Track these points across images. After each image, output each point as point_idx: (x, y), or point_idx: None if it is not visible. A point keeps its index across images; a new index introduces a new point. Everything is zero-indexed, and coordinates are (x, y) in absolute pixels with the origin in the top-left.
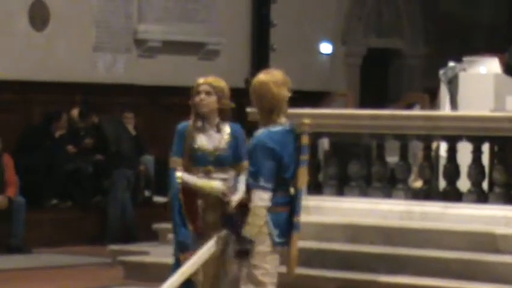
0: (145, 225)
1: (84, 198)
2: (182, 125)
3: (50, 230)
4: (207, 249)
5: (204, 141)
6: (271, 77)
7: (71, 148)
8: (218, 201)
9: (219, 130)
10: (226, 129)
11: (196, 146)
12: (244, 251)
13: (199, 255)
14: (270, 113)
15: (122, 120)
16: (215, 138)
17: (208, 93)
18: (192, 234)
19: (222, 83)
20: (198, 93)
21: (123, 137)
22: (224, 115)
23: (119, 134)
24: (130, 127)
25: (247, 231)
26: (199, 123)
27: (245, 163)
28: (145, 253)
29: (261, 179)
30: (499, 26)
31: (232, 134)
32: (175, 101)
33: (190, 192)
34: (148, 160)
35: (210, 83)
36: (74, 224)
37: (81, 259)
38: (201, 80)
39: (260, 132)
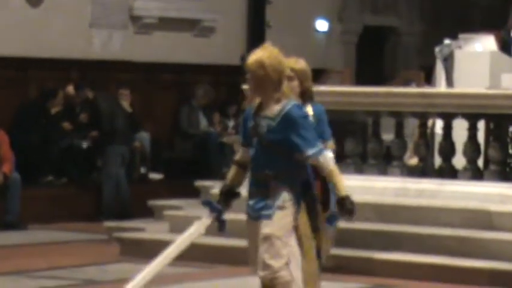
0: (140, 201)
1: (80, 174)
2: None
3: (45, 207)
4: (187, 236)
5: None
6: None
7: (66, 125)
8: None
9: None
10: (309, 111)
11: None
12: (350, 211)
13: (179, 242)
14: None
15: (117, 96)
16: None
17: (290, 78)
18: None
19: (302, 65)
20: None
21: (118, 114)
22: (306, 96)
23: (114, 111)
24: (126, 104)
25: (344, 189)
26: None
27: (330, 142)
28: (141, 229)
29: (317, 143)
30: (495, 3)
31: (316, 116)
32: (171, 78)
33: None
34: (143, 137)
35: (292, 67)
36: (70, 200)
37: (76, 236)
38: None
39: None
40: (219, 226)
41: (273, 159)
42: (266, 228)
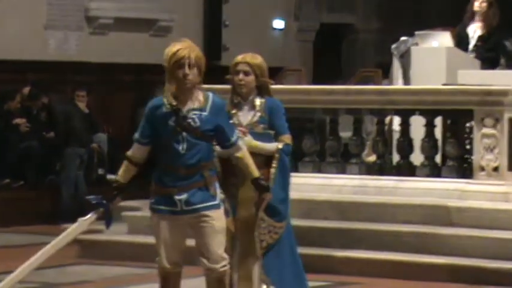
0: None
1: (37, 177)
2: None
3: (2, 210)
4: (67, 234)
5: (239, 118)
6: None
7: (23, 124)
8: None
9: (254, 106)
10: (263, 104)
11: (231, 122)
12: (267, 188)
13: (60, 238)
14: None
15: (73, 98)
16: (249, 115)
17: (246, 72)
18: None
19: (259, 60)
20: (237, 72)
21: (75, 116)
22: (263, 91)
23: (70, 113)
24: (83, 105)
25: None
26: (236, 100)
27: (284, 136)
28: (99, 231)
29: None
30: (451, 0)
31: (267, 109)
32: (128, 78)
33: (226, 166)
34: (101, 138)
35: (247, 61)
36: (27, 203)
37: (34, 238)
38: (238, 58)
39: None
40: (106, 223)
41: (203, 149)
42: (218, 220)
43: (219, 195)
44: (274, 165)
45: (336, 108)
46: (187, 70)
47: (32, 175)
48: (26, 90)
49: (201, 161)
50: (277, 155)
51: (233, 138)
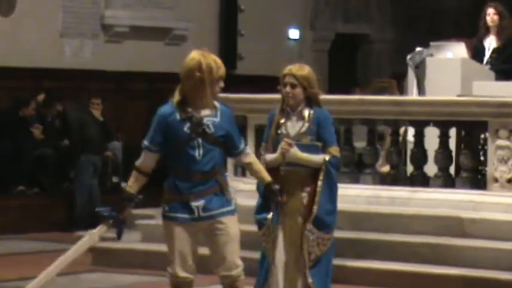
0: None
1: (52, 184)
2: (272, 111)
3: (16, 217)
4: (78, 247)
5: (288, 128)
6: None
7: (37, 132)
8: (297, 189)
9: (302, 117)
10: (311, 115)
11: (278, 132)
12: (279, 191)
13: (72, 251)
14: None
15: (88, 106)
16: (297, 125)
17: (293, 85)
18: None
19: (306, 71)
20: (284, 85)
21: (89, 124)
22: (312, 102)
23: (84, 121)
24: (97, 113)
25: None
26: (285, 111)
27: (332, 148)
28: (113, 239)
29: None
30: (466, 11)
31: (314, 121)
32: (143, 87)
33: (273, 176)
34: (116, 146)
35: (294, 73)
36: (41, 210)
37: (48, 246)
38: (286, 71)
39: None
40: (117, 233)
41: (217, 155)
42: (233, 226)
43: (234, 199)
44: (320, 177)
45: (350, 118)
46: (222, 84)
47: (46, 182)
48: (41, 97)
49: (215, 167)
50: (323, 168)
51: (241, 146)
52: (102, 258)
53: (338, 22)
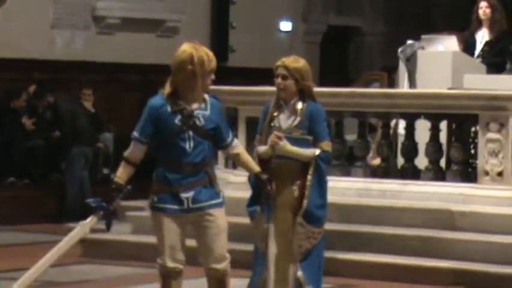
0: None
1: (42, 176)
2: (267, 103)
3: (7, 208)
4: (69, 238)
5: (280, 121)
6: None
7: (28, 123)
8: (288, 182)
9: (295, 110)
10: (304, 109)
11: (271, 125)
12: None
13: (63, 243)
14: None
15: (79, 97)
16: (290, 119)
17: (284, 76)
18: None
19: (300, 64)
20: (277, 76)
21: (80, 115)
22: (306, 95)
23: (76, 112)
24: (89, 104)
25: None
26: (278, 104)
27: (323, 143)
28: (103, 230)
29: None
30: (458, 4)
31: (307, 114)
32: (134, 78)
33: (265, 169)
34: (107, 137)
35: (286, 65)
36: (32, 202)
37: (38, 237)
38: (279, 62)
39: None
40: (106, 225)
41: (206, 148)
42: (222, 219)
43: (222, 192)
44: (310, 172)
45: (341, 110)
46: (213, 77)
47: (37, 174)
48: (32, 88)
49: (205, 159)
50: (313, 162)
51: (228, 139)
52: (92, 250)
53: (330, 14)
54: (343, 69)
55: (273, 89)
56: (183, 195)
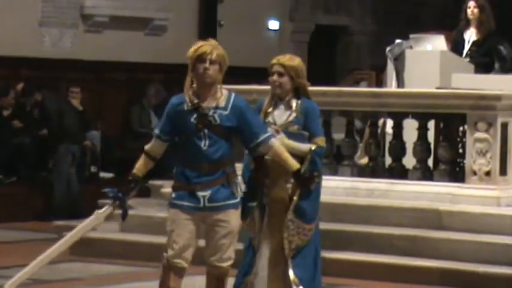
0: (91, 201)
1: (30, 173)
2: (260, 101)
3: None
4: (86, 224)
5: (274, 117)
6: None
7: (16, 123)
8: (282, 178)
9: (290, 107)
10: (299, 106)
11: (266, 121)
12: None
13: (77, 230)
14: None
15: (67, 95)
16: (285, 115)
17: (280, 74)
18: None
19: (295, 62)
20: (272, 73)
21: (68, 113)
22: (300, 93)
23: (63, 110)
24: (76, 102)
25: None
26: (273, 101)
27: (318, 138)
28: (91, 229)
29: (267, 128)
30: (446, 4)
31: (303, 111)
32: (122, 77)
33: (259, 165)
34: (94, 135)
35: (282, 63)
36: (19, 199)
37: (26, 235)
38: (274, 60)
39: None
40: (122, 215)
41: (224, 146)
42: (235, 220)
43: (240, 193)
44: (304, 166)
45: (329, 109)
46: (207, 64)
47: (24, 172)
48: (20, 86)
49: (223, 158)
50: (308, 157)
51: (258, 139)
52: (80, 248)
53: (318, 13)
54: (331, 68)
55: (260, 87)
56: (200, 193)
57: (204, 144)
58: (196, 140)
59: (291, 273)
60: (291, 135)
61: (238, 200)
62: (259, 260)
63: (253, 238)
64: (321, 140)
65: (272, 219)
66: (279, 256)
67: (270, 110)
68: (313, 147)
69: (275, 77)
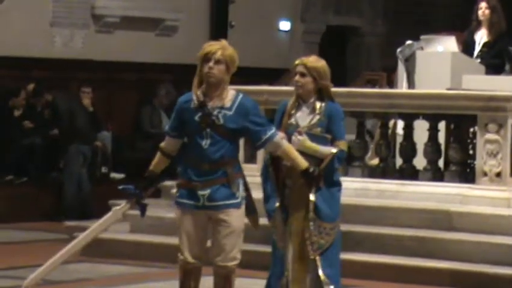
0: (101, 201)
1: (41, 174)
2: (284, 102)
3: (5, 206)
4: (104, 221)
5: (297, 119)
6: None
7: (27, 123)
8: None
9: (314, 109)
10: (323, 108)
11: (289, 122)
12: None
13: (96, 226)
14: None
15: (78, 95)
16: (308, 117)
17: (302, 74)
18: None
19: (319, 64)
20: (295, 74)
21: (78, 113)
22: (324, 95)
23: (74, 111)
24: (87, 102)
25: (304, 161)
26: (297, 102)
27: (340, 142)
28: (110, 225)
29: (271, 126)
30: (457, 5)
31: (326, 114)
32: (133, 77)
33: (279, 168)
34: (105, 136)
35: (304, 63)
36: (30, 200)
37: (37, 235)
38: (297, 61)
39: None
40: (140, 211)
41: (227, 146)
42: (237, 220)
43: (241, 193)
44: (322, 166)
45: None
46: (212, 64)
47: (35, 172)
48: (31, 87)
49: (224, 158)
50: (328, 158)
51: (263, 137)
52: (90, 249)
53: (329, 14)
54: (342, 69)
55: (271, 88)
56: (200, 192)
57: (205, 143)
58: (198, 138)
59: (320, 273)
60: (313, 138)
61: (239, 200)
62: (288, 261)
63: (278, 240)
64: (343, 144)
65: (294, 221)
66: (304, 258)
67: (294, 111)
68: (334, 150)
69: (297, 77)
